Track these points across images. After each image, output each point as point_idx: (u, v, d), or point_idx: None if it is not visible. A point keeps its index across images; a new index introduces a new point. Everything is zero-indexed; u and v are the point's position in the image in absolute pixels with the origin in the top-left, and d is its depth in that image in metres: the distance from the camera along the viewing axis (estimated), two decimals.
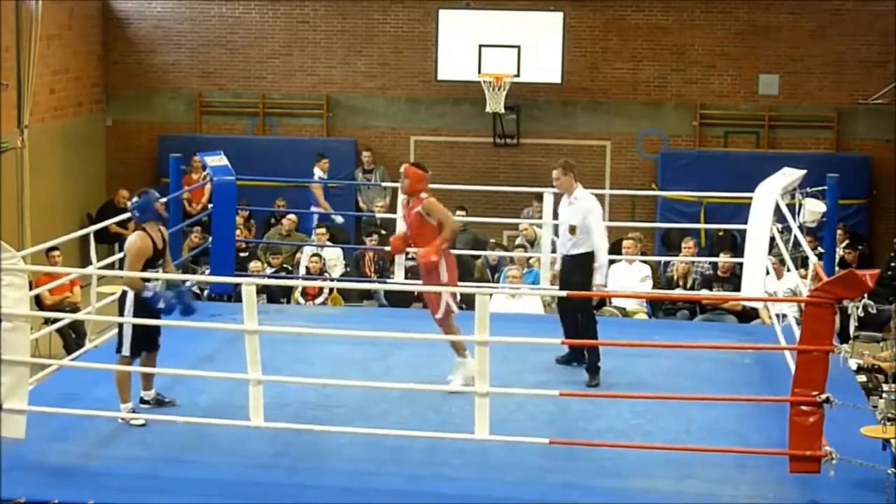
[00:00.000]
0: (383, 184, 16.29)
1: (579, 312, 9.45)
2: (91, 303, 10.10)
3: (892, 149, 17.02)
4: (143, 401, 8.73)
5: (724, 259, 13.25)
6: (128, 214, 12.54)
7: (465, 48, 16.62)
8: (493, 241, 15.02)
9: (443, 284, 8.93)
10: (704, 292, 13.17)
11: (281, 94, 18.19)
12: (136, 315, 8.39)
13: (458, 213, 15.18)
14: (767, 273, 11.00)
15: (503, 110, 16.78)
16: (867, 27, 16.97)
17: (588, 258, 9.37)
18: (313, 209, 15.91)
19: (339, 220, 16.41)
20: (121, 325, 8.49)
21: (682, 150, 17.49)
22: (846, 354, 7.73)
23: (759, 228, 10.84)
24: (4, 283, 7.76)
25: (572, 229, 9.39)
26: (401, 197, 9.23)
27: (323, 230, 14.84)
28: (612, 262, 13.61)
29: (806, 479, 7.41)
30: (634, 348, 9.80)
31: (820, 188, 10.91)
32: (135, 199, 8.76)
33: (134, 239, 8.57)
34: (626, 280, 13.32)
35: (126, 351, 8.48)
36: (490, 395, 7.68)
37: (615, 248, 15.37)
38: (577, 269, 9.42)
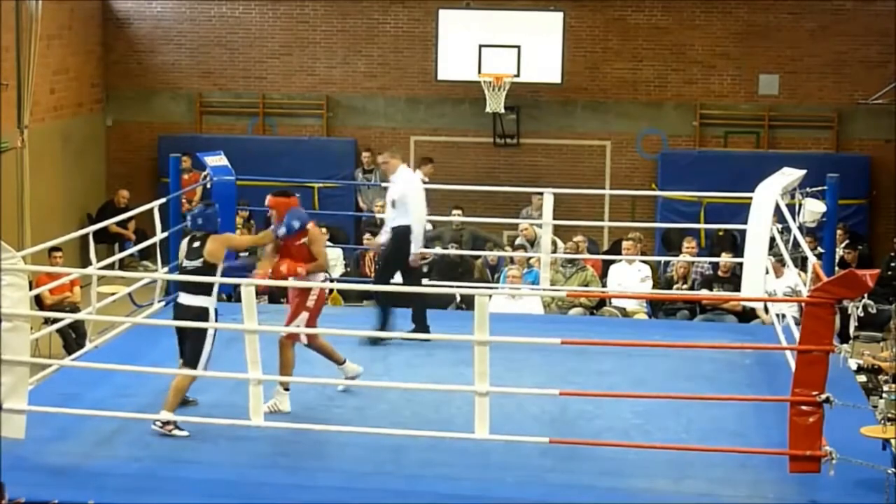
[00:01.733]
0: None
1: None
2: (91, 303, 10.09)
3: (892, 149, 17.01)
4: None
5: (724, 259, 13.25)
6: (128, 214, 12.69)
7: (465, 48, 16.61)
8: (489, 243, 14.99)
9: (307, 308, 8.80)
10: (704, 292, 13.17)
11: (281, 94, 18.19)
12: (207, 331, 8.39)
13: (455, 212, 15.20)
14: (767, 273, 11.01)
15: (503, 110, 16.78)
16: (867, 27, 16.96)
17: (406, 230, 10.49)
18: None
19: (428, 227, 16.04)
20: (202, 339, 8.31)
21: (682, 150, 17.48)
22: (846, 354, 7.73)
23: (759, 228, 10.84)
24: (4, 283, 7.76)
25: (393, 203, 10.54)
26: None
27: (324, 230, 14.81)
28: (611, 262, 13.69)
29: (806, 479, 7.41)
30: (634, 348, 9.80)
31: (820, 188, 10.91)
32: (203, 207, 8.74)
33: (214, 241, 8.56)
34: (626, 280, 13.33)
35: (202, 366, 8.34)
36: (490, 395, 7.68)
37: (615, 248, 15.42)
38: (396, 239, 10.54)
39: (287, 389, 8.70)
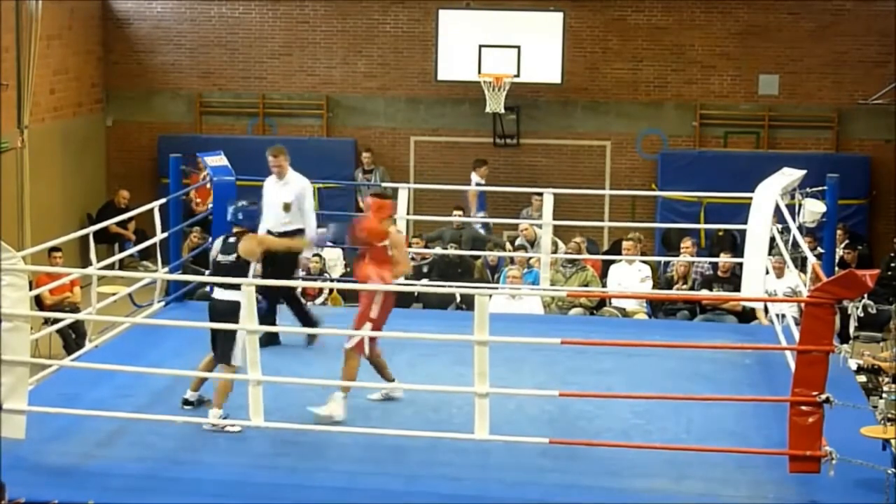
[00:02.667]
0: (383, 184, 16.29)
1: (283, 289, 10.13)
2: (91, 303, 10.09)
3: (892, 149, 17.01)
4: (186, 402, 8.72)
5: (724, 259, 13.25)
6: (128, 214, 12.69)
7: (465, 48, 16.62)
8: (489, 243, 14.99)
9: (370, 319, 8.63)
10: (704, 292, 13.17)
11: (281, 95, 18.19)
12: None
13: (456, 212, 15.20)
14: (767, 273, 11.01)
15: (503, 110, 16.78)
16: (867, 27, 16.97)
17: (300, 234, 10.23)
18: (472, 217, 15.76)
19: (482, 231, 16.04)
20: (233, 335, 8.31)
21: (681, 151, 17.48)
22: (846, 354, 7.74)
23: (758, 229, 10.84)
24: (4, 283, 7.76)
25: (287, 207, 10.18)
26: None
27: (324, 230, 14.80)
28: (611, 262, 13.68)
29: (806, 479, 7.41)
30: (634, 348, 9.80)
31: (820, 188, 10.91)
32: (246, 204, 8.91)
33: (249, 240, 8.71)
34: (626, 280, 13.33)
35: (238, 360, 8.34)
36: (490, 395, 7.68)
37: (615, 248, 15.42)
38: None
39: (345, 396, 8.58)
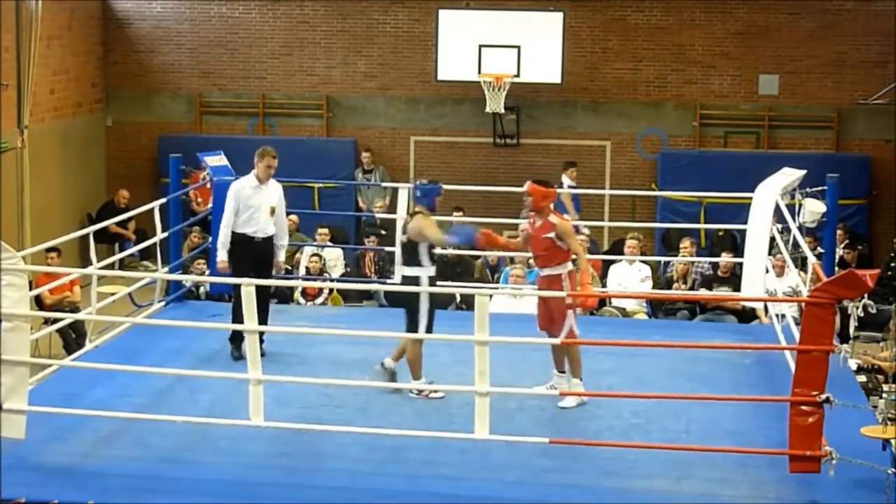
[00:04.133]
0: (383, 184, 16.28)
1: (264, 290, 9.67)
2: (91, 303, 10.09)
3: (892, 149, 17.02)
4: (382, 365, 9.16)
5: (724, 259, 13.25)
6: (128, 214, 12.70)
7: (465, 48, 16.62)
8: None
9: (568, 306, 8.84)
10: (703, 292, 13.17)
11: (281, 95, 18.19)
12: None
13: (455, 213, 15.19)
14: (767, 272, 11.01)
15: (503, 110, 16.79)
16: (867, 27, 16.97)
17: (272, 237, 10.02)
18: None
19: (585, 231, 15.96)
20: (417, 307, 8.88)
21: (681, 151, 17.48)
22: (846, 354, 7.73)
23: (758, 228, 10.84)
24: (4, 283, 7.76)
25: (273, 211, 9.96)
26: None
27: (325, 230, 14.82)
28: (612, 262, 13.68)
29: (806, 479, 7.41)
30: (634, 348, 9.80)
31: (820, 188, 10.91)
32: (426, 182, 9.38)
33: (422, 220, 8.95)
34: (626, 280, 13.32)
35: (423, 330, 8.88)
36: (490, 395, 7.68)
37: (615, 248, 15.41)
38: (270, 249, 9.97)
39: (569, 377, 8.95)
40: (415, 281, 8.94)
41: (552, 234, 8.89)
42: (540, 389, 8.92)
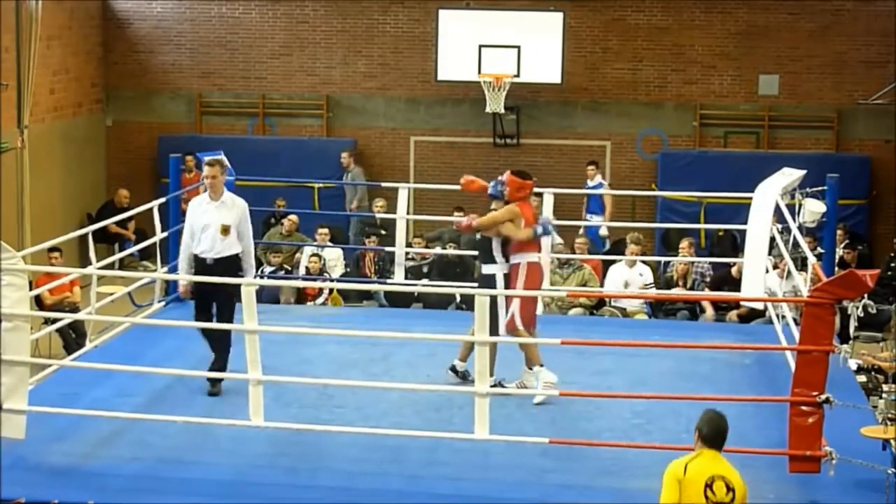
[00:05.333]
0: (383, 183, 16.27)
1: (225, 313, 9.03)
2: (91, 303, 10.09)
3: (892, 149, 17.02)
4: (453, 369, 9.23)
5: (733, 260, 13.17)
6: (127, 214, 12.71)
7: (465, 48, 16.62)
8: None
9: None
10: (707, 292, 13.15)
11: (281, 95, 18.19)
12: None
13: (456, 213, 15.19)
14: (767, 272, 11.00)
15: (503, 110, 16.79)
16: (867, 27, 16.97)
17: (237, 260, 9.19)
18: (596, 219, 15.80)
19: (605, 232, 16.14)
20: (495, 309, 8.65)
21: (681, 151, 17.48)
22: (846, 354, 7.73)
23: (758, 229, 10.84)
24: (4, 283, 7.76)
25: (226, 230, 9.11)
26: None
27: (325, 230, 14.82)
28: (612, 262, 13.66)
29: (806, 479, 7.42)
30: (634, 348, 9.80)
31: (820, 188, 10.91)
32: (502, 178, 9.21)
33: (506, 209, 8.97)
34: (631, 281, 13.27)
35: (501, 330, 8.79)
36: (490, 395, 7.68)
37: (615, 249, 15.41)
38: (231, 272, 9.01)
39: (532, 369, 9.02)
40: (492, 279, 8.96)
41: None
42: (511, 387, 8.97)
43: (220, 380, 8.90)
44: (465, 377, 9.14)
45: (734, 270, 13.27)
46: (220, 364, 8.96)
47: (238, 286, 8.52)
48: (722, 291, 12.69)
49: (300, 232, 15.74)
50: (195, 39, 18.18)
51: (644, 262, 13.65)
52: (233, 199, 9.29)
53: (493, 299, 8.74)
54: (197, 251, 9.18)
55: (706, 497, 6.35)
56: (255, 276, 9.80)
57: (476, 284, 9.24)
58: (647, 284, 13.25)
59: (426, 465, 7.87)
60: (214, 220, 9.14)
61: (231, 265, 9.16)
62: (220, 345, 9.01)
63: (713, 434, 6.46)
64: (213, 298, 9.09)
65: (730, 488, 6.39)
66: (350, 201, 16.89)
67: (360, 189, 16.71)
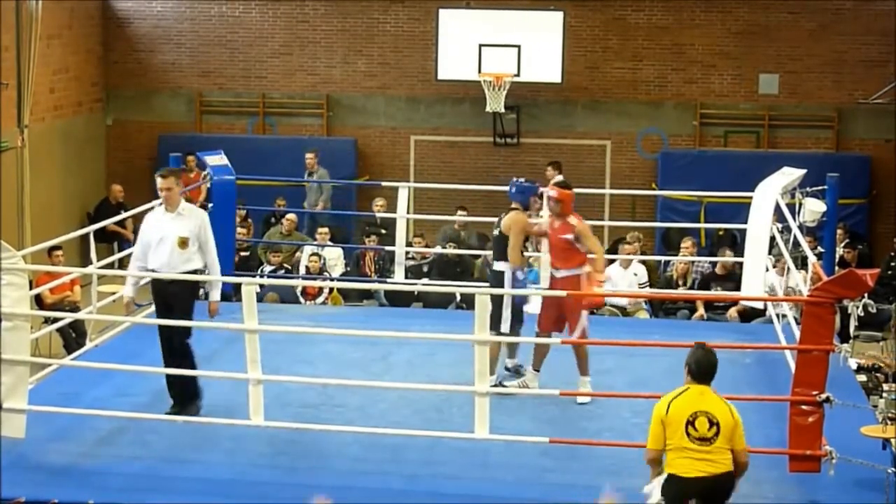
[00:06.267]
0: (383, 183, 16.25)
1: (175, 336, 8.51)
2: (91, 302, 10.09)
3: (892, 149, 17.01)
4: (506, 368, 9.39)
5: (723, 259, 13.21)
6: (127, 214, 12.71)
7: (465, 48, 16.61)
8: (489, 242, 14.98)
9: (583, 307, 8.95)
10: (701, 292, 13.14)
11: (281, 94, 18.19)
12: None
13: (459, 212, 15.20)
14: (767, 271, 11.00)
15: (503, 110, 16.77)
16: (867, 27, 16.96)
17: (197, 273, 8.65)
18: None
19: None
20: (501, 304, 8.84)
21: (682, 150, 17.47)
22: (846, 354, 7.73)
23: (759, 228, 10.84)
24: (4, 282, 7.77)
25: (184, 242, 8.51)
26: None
27: (325, 230, 14.82)
28: (611, 261, 13.65)
29: (806, 478, 7.42)
30: (634, 348, 9.79)
31: (820, 188, 10.91)
32: (523, 181, 9.44)
33: (519, 217, 9.15)
34: (622, 282, 13.24)
35: (505, 328, 8.92)
36: (490, 395, 7.68)
37: (615, 248, 15.39)
38: (188, 288, 8.60)
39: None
40: (501, 276, 9.05)
41: (570, 236, 8.95)
42: (512, 386, 8.98)
43: (197, 398, 8.52)
44: (518, 371, 9.37)
45: (718, 268, 13.28)
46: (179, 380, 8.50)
47: (191, 306, 8.49)
48: (710, 290, 12.69)
49: (300, 231, 15.73)
50: (195, 38, 18.17)
51: (642, 261, 13.64)
52: (191, 210, 8.77)
53: (500, 297, 8.86)
54: (152, 267, 8.61)
55: (688, 434, 6.42)
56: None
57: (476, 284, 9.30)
58: (641, 284, 13.25)
59: (426, 464, 7.87)
60: (171, 233, 8.54)
61: (189, 283, 8.59)
62: (176, 361, 8.48)
63: (700, 369, 6.57)
64: (170, 311, 8.52)
65: (713, 423, 6.43)
66: (314, 203, 16.60)
67: (325, 190, 16.56)
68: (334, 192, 17.15)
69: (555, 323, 9.08)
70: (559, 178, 15.87)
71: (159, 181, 8.70)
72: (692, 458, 6.44)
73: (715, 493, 6.53)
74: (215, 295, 8.78)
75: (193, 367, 8.54)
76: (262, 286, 12.98)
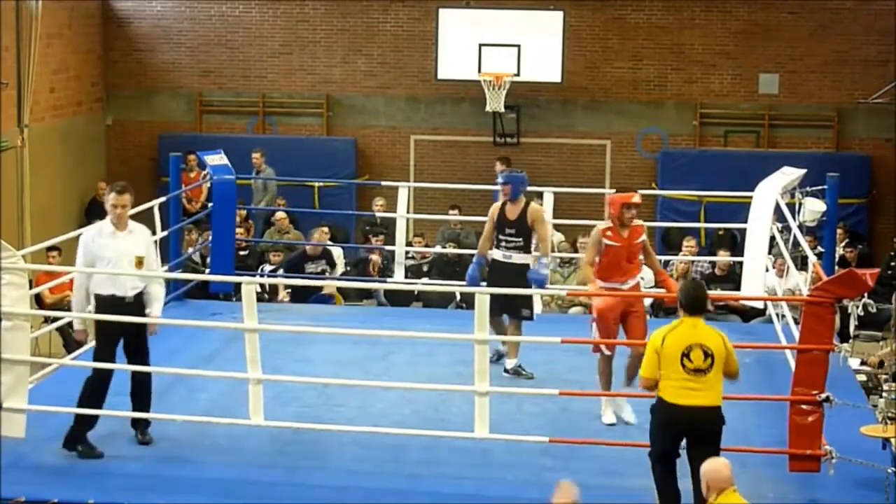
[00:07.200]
0: (383, 183, 16.23)
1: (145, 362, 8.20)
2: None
3: (892, 148, 17.01)
4: (505, 370, 9.50)
5: (722, 258, 13.19)
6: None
7: (465, 47, 16.61)
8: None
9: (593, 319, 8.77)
10: None
11: (281, 94, 18.19)
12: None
13: (451, 211, 15.20)
14: (767, 271, 11.00)
15: (503, 109, 16.78)
16: (867, 27, 16.97)
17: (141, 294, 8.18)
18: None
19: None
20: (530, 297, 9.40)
21: (682, 150, 17.48)
22: (846, 353, 7.74)
23: (759, 228, 10.84)
24: (4, 282, 7.76)
25: (141, 261, 8.07)
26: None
27: (325, 229, 14.80)
28: None
29: (806, 478, 7.42)
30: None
31: (820, 187, 10.91)
32: (515, 171, 9.78)
33: (540, 209, 9.70)
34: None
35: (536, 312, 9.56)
36: (490, 394, 7.68)
37: None
38: (144, 310, 8.17)
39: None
40: (525, 267, 9.29)
41: (643, 238, 8.86)
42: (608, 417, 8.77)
43: (149, 425, 8.23)
44: (518, 373, 9.45)
45: (717, 269, 13.27)
46: (146, 408, 8.23)
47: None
48: (710, 290, 12.68)
49: (298, 230, 15.70)
50: (195, 38, 18.18)
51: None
52: (140, 228, 8.27)
53: (527, 287, 9.12)
54: (109, 290, 8.01)
55: (683, 365, 6.65)
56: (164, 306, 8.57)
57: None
58: (648, 287, 13.23)
59: (426, 464, 7.87)
60: (126, 252, 8.04)
61: (140, 300, 8.16)
62: (145, 388, 8.21)
63: (690, 301, 6.79)
64: (135, 336, 8.15)
65: (708, 354, 6.59)
66: (258, 202, 16.48)
67: (269, 189, 16.45)
68: (335, 192, 17.16)
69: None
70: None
71: (116, 197, 8.00)
72: (685, 388, 6.77)
73: (701, 426, 6.81)
74: (156, 309, 8.19)
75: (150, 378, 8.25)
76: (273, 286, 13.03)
